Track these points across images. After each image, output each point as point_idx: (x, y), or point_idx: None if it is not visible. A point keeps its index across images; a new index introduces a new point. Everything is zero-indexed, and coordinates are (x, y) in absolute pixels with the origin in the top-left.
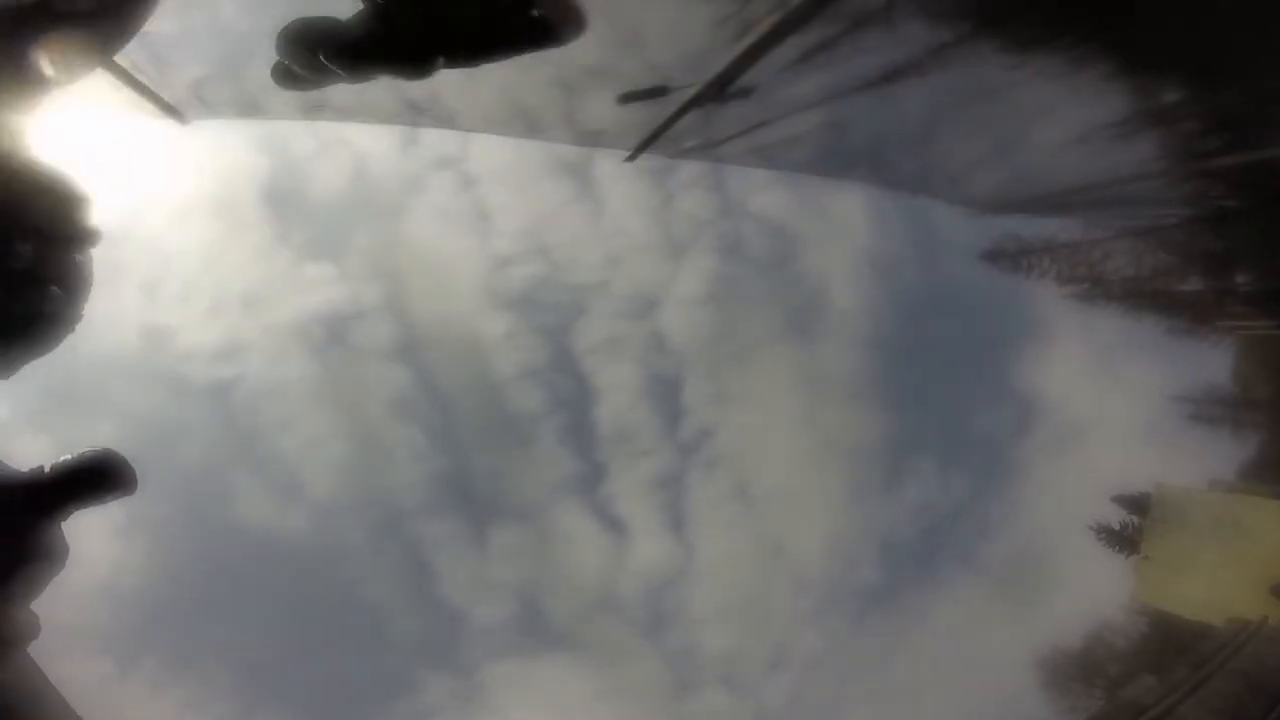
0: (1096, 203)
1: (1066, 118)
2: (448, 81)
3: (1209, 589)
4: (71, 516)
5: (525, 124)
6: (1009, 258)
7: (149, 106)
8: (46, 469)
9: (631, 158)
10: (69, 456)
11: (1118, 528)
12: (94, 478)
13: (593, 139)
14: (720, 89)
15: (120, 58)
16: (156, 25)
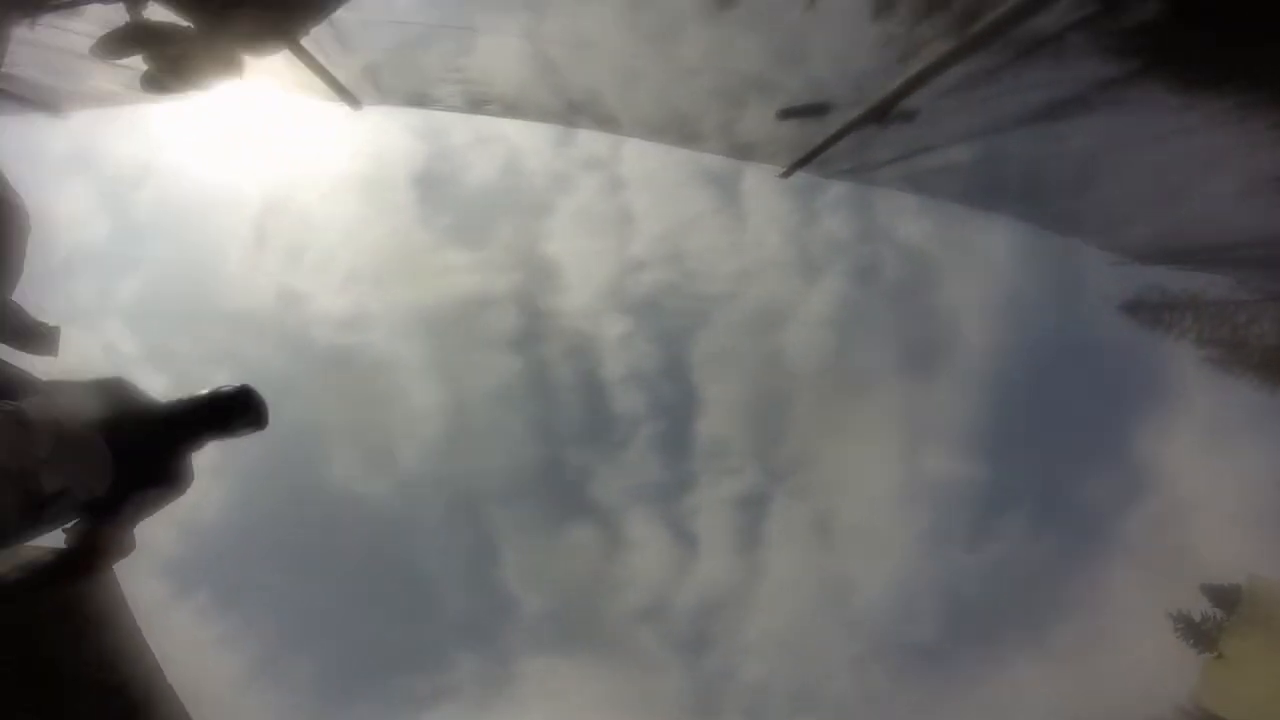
0: (1250, 261)
1: (1232, 168)
2: (609, 83)
3: (1273, 699)
4: (202, 448)
5: (681, 132)
6: (1150, 310)
7: (324, 88)
8: (184, 399)
9: (786, 174)
10: (206, 390)
11: (1198, 619)
12: (229, 410)
13: (746, 152)
14: (884, 112)
15: (305, 38)
16: (341, 10)
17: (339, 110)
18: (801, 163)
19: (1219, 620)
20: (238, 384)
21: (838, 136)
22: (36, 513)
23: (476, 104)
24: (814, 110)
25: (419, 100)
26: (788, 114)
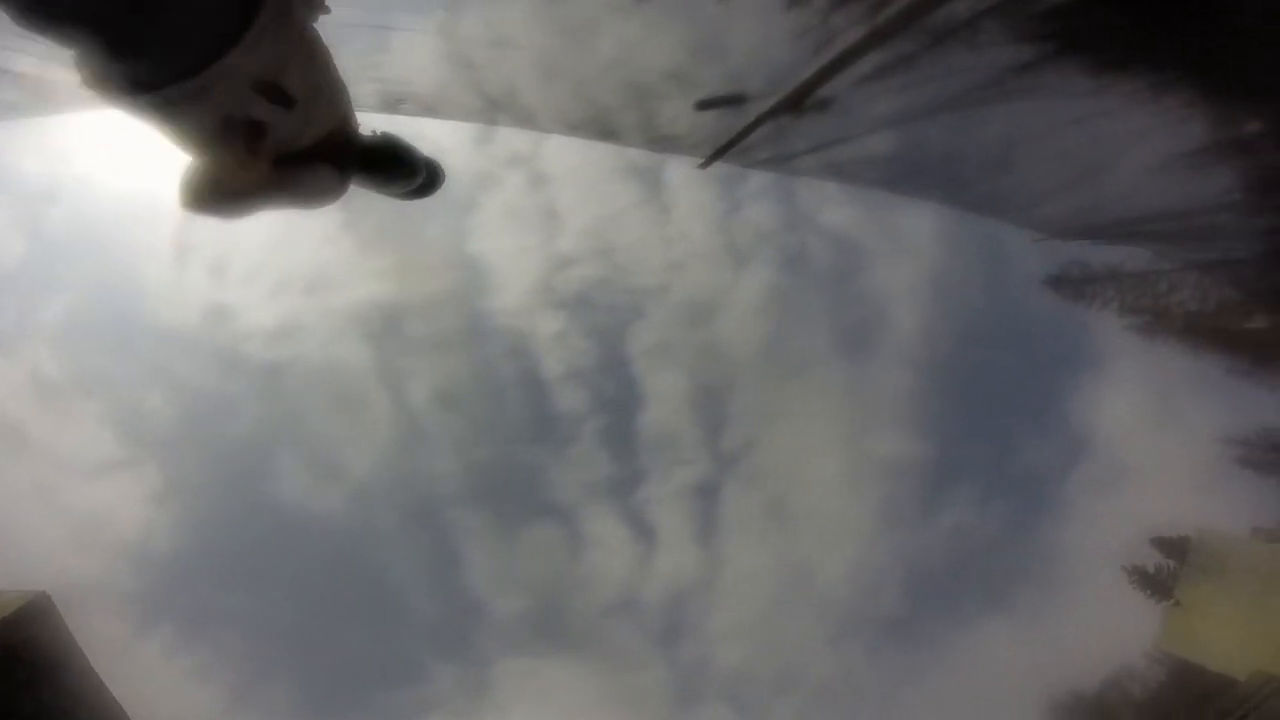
0: (1167, 233)
1: (1143, 145)
2: (528, 80)
3: (1237, 640)
4: (352, 186)
5: (601, 126)
6: (1073, 285)
7: None
8: (377, 133)
9: (705, 165)
10: (409, 145)
11: (1152, 571)
12: (410, 169)
13: (667, 144)
14: (799, 101)
15: None
16: None
17: None
18: (719, 153)
19: (1172, 570)
20: (436, 164)
21: (753, 126)
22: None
23: (393, 104)
24: (730, 101)
25: None
26: (705, 105)
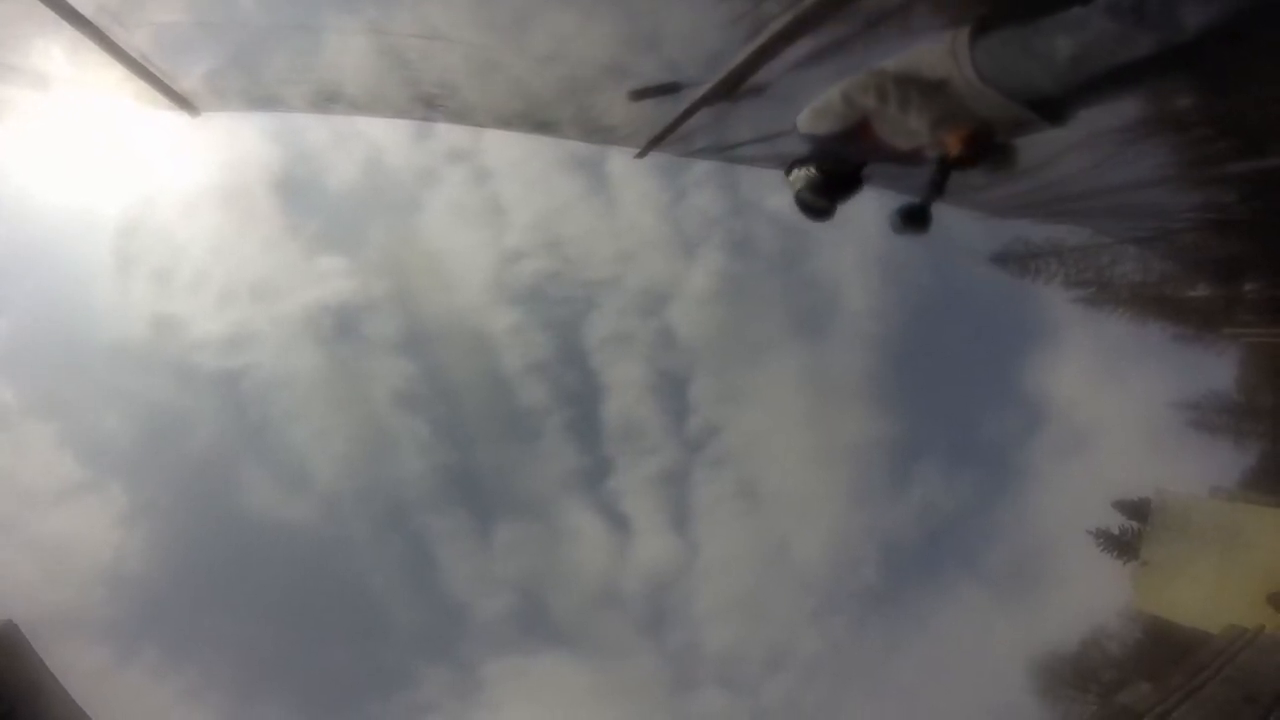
0: (1103, 210)
1: (1075, 124)
2: (463, 76)
3: (1206, 596)
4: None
5: (538, 120)
6: (1017, 261)
7: (161, 99)
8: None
9: (641, 154)
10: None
11: (1117, 533)
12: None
13: (604, 135)
14: (731, 87)
15: (132, 50)
16: (169, 17)
17: (179, 120)
18: (655, 142)
19: (1137, 531)
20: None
21: (688, 114)
22: None
23: (324, 103)
24: (665, 90)
25: (263, 103)
26: (639, 95)
